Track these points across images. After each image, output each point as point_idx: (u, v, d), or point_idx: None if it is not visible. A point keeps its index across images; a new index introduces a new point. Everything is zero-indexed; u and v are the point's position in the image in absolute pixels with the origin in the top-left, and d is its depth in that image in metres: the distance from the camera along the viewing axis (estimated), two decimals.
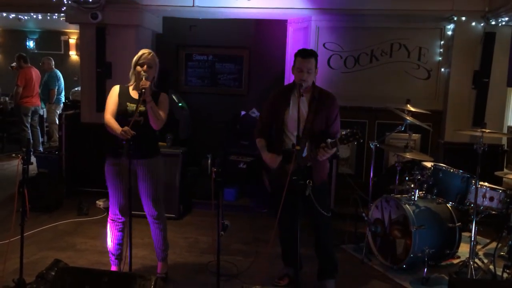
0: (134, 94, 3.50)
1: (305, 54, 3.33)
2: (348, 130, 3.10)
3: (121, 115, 3.42)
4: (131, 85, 3.53)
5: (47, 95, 8.61)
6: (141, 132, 3.33)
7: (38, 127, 8.42)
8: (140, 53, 3.47)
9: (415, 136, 5.60)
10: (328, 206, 3.54)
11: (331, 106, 3.39)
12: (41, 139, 8.58)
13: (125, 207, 3.51)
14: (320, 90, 3.44)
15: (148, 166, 3.52)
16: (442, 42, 5.64)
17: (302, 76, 3.29)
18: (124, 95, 3.49)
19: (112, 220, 3.59)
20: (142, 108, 3.38)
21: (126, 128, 3.23)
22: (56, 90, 8.71)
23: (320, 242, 3.54)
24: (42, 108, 8.73)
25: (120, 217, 3.57)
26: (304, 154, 3.31)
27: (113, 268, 3.67)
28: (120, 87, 3.54)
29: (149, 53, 3.47)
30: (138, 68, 3.42)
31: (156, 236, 3.69)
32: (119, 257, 3.67)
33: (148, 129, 3.45)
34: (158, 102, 3.48)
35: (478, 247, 4.19)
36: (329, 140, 3.17)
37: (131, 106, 3.41)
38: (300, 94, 3.29)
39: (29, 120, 8.13)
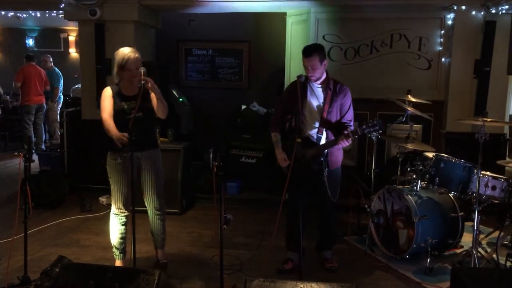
0: (127, 93, 3.50)
1: (306, 53, 3.54)
2: (370, 121, 3.36)
3: (120, 114, 3.43)
4: (121, 84, 3.51)
5: (51, 93, 8.61)
6: (142, 126, 3.40)
7: (42, 126, 8.40)
8: (125, 56, 3.39)
9: (417, 126, 5.57)
10: (337, 192, 3.73)
11: (345, 96, 3.64)
12: (44, 137, 8.58)
13: (128, 201, 3.54)
14: (334, 81, 3.66)
15: (151, 158, 3.60)
16: (442, 32, 5.60)
17: (307, 72, 3.55)
18: (118, 96, 3.49)
19: (115, 214, 3.63)
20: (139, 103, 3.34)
21: (122, 135, 3.27)
22: (59, 88, 8.74)
23: (324, 218, 3.85)
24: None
25: (124, 211, 3.60)
26: (323, 141, 3.56)
27: (117, 263, 3.70)
28: (111, 88, 3.52)
29: (135, 54, 3.41)
30: (129, 72, 3.39)
31: (157, 226, 3.79)
32: (123, 251, 3.69)
33: (148, 122, 3.53)
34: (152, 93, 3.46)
35: (481, 236, 4.18)
36: (349, 129, 3.46)
37: (128, 105, 3.43)
38: (299, 88, 3.42)
39: (32, 118, 8.09)
